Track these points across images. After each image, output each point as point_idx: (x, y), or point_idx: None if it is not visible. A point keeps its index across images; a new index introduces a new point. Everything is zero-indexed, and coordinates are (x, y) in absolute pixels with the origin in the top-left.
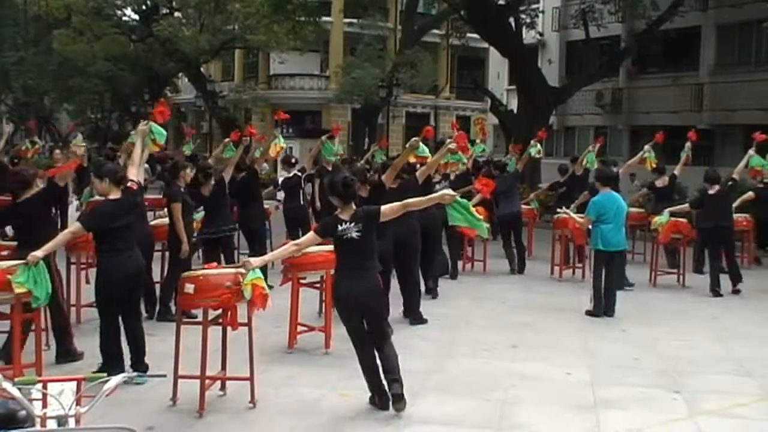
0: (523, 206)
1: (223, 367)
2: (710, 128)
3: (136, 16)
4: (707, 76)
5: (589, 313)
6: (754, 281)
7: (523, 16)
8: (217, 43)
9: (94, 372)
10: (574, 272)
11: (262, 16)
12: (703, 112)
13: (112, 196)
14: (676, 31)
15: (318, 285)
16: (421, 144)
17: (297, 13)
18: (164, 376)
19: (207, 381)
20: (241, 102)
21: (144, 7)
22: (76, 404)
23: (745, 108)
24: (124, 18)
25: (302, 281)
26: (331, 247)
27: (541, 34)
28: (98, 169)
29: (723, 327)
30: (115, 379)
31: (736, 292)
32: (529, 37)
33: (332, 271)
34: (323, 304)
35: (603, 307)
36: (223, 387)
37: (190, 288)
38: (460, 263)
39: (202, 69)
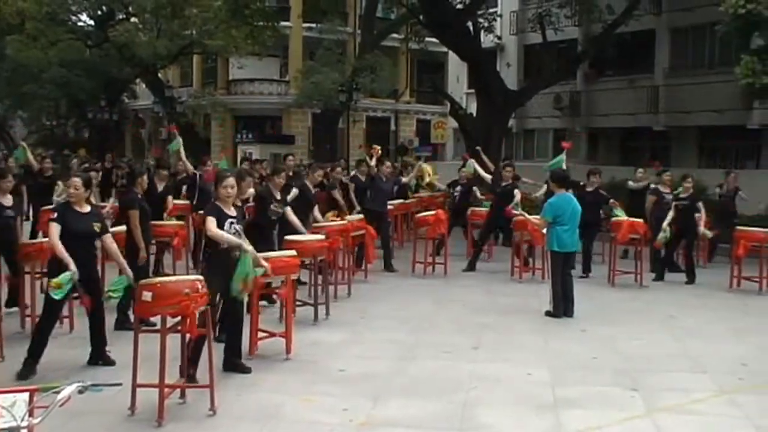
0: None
1: (183, 375)
2: (666, 130)
3: (92, 22)
4: (662, 79)
5: (549, 313)
6: (709, 280)
7: (481, 20)
8: (175, 48)
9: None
10: (533, 273)
11: (220, 21)
12: (659, 114)
13: None
14: (631, 35)
15: (279, 290)
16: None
17: (255, 18)
18: (120, 385)
19: (166, 389)
20: (200, 107)
21: (99, 13)
22: (29, 415)
23: (699, 110)
24: (80, 23)
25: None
26: (292, 252)
27: (499, 38)
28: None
29: (679, 325)
30: (69, 389)
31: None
32: (487, 41)
33: (292, 276)
34: (284, 310)
35: (563, 307)
36: (182, 395)
37: (147, 296)
38: (422, 266)
39: (159, 75)
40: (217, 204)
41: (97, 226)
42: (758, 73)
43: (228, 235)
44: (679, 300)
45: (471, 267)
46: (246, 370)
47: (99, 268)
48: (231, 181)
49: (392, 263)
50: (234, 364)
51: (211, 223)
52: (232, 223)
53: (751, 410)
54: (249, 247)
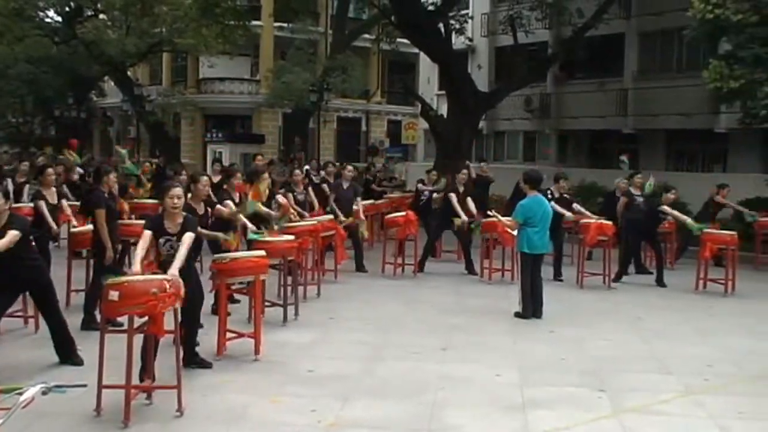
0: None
1: (149, 376)
2: (635, 132)
3: (59, 18)
4: (631, 82)
5: (517, 315)
6: (676, 282)
7: (453, 21)
8: (144, 46)
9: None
10: (503, 274)
11: (190, 20)
12: (628, 117)
13: None
14: (601, 38)
15: (246, 290)
16: None
17: (226, 17)
18: (85, 386)
19: (132, 390)
20: (170, 106)
21: (67, 9)
22: None
23: (667, 113)
24: (47, 20)
25: (231, 287)
26: (261, 252)
27: (470, 40)
28: None
29: (646, 327)
30: (32, 391)
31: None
32: (458, 42)
33: (261, 277)
34: (252, 310)
35: (531, 308)
36: (149, 396)
37: (114, 295)
38: (391, 267)
39: (128, 72)
40: (160, 217)
41: None
42: (725, 77)
43: (137, 262)
44: (647, 301)
45: (421, 267)
46: (207, 365)
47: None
48: (178, 191)
49: (363, 264)
50: (196, 360)
51: (142, 240)
52: (168, 240)
53: (715, 410)
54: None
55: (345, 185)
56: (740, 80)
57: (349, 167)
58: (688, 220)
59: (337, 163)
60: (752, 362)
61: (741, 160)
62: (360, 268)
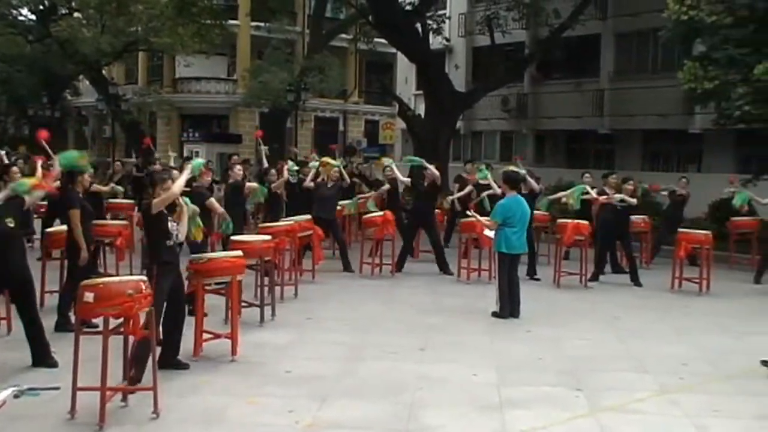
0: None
1: (125, 378)
2: (611, 133)
3: (33, 16)
4: (607, 83)
5: (495, 314)
6: (652, 281)
7: (430, 21)
8: (120, 45)
9: None
10: (479, 274)
11: (166, 18)
12: (604, 117)
13: None
14: (577, 39)
15: (224, 291)
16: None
17: (202, 16)
18: (58, 388)
19: (108, 392)
20: (146, 105)
21: (41, 7)
22: None
23: (643, 114)
24: (20, 18)
25: (207, 287)
26: (238, 253)
27: (447, 40)
28: None
29: (623, 326)
30: (4, 394)
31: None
32: (436, 42)
33: (239, 277)
34: (230, 311)
35: (509, 308)
36: (125, 398)
37: (89, 297)
38: (369, 267)
39: (104, 71)
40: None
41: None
42: (700, 78)
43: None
44: (623, 301)
45: (399, 267)
46: (184, 366)
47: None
48: (170, 183)
49: (350, 262)
50: (173, 362)
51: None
52: (173, 222)
53: (690, 409)
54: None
55: (329, 185)
56: (714, 81)
57: (335, 168)
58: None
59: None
60: (727, 361)
61: (715, 161)
62: (347, 267)
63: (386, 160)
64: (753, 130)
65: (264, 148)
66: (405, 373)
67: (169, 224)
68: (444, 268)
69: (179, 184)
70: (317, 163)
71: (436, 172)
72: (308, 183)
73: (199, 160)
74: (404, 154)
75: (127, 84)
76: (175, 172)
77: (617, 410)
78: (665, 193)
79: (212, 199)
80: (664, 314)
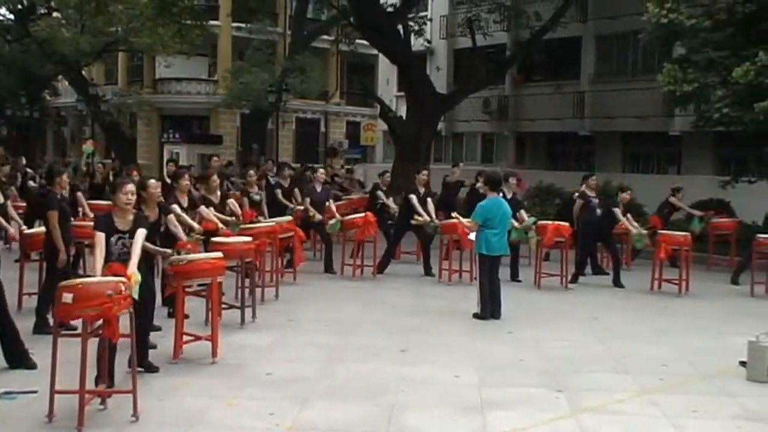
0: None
1: (104, 381)
2: (591, 135)
3: (12, 16)
4: (588, 85)
5: (476, 316)
6: (632, 282)
7: (411, 23)
8: (99, 45)
9: None
10: (460, 276)
11: (146, 19)
12: (585, 119)
13: None
14: (558, 41)
15: (204, 293)
16: None
17: (183, 16)
18: (35, 392)
19: (86, 395)
20: (126, 106)
21: (20, 7)
22: None
23: (623, 116)
24: None
25: (187, 289)
26: (218, 255)
27: (429, 42)
28: None
29: (603, 327)
30: None
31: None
32: (417, 44)
33: (219, 279)
34: (210, 313)
35: (490, 309)
36: (103, 401)
37: (68, 298)
38: (350, 269)
39: (83, 72)
40: (109, 216)
41: None
42: (679, 80)
43: (97, 266)
44: (603, 302)
45: (381, 269)
46: (154, 369)
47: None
48: (131, 187)
49: (333, 264)
50: (143, 364)
51: (97, 244)
52: (120, 238)
53: (670, 410)
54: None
55: (318, 188)
56: (693, 84)
57: (321, 170)
58: (634, 231)
59: (309, 165)
60: (706, 361)
61: (695, 162)
62: (329, 268)
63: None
64: (731, 132)
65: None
66: (386, 374)
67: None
68: (428, 269)
69: (97, 265)
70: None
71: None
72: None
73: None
74: (386, 156)
75: (107, 84)
76: None
77: (597, 411)
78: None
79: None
80: (644, 315)
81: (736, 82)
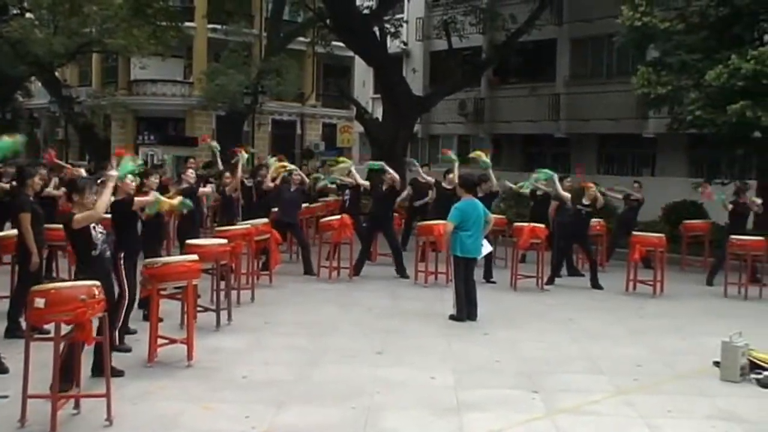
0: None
1: (77, 384)
2: (567, 136)
3: None
4: (563, 87)
5: (452, 317)
6: (607, 283)
7: (388, 25)
8: (73, 46)
9: None
10: (436, 277)
11: (121, 20)
12: (560, 122)
13: None
14: (533, 44)
15: (179, 296)
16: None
17: (158, 18)
18: (6, 397)
19: (59, 400)
20: (100, 108)
21: None
22: None
23: (598, 118)
24: None
25: (162, 292)
26: (193, 257)
27: (405, 44)
28: None
29: (578, 328)
30: None
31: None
32: (393, 46)
33: (194, 281)
34: (185, 316)
35: (466, 311)
36: (77, 405)
37: (40, 302)
38: (327, 271)
39: (57, 73)
40: (75, 212)
41: None
42: (653, 83)
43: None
44: (578, 303)
45: (357, 271)
46: (119, 374)
47: None
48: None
49: (312, 267)
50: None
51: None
52: (100, 232)
53: (644, 410)
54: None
55: (291, 188)
56: (667, 86)
57: (296, 171)
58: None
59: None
60: (680, 361)
61: (669, 164)
62: (309, 270)
63: (343, 164)
64: (704, 134)
65: (213, 144)
66: (362, 377)
67: (93, 233)
68: (401, 271)
69: (104, 201)
70: (274, 161)
71: (396, 176)
72: (269, 184)
73: (129, 165)
74: (362, 158)
75: (80, 86)
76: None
77: (573, 412)
78: (619, 196)
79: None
80: (619, 316)
81: (709, 84)
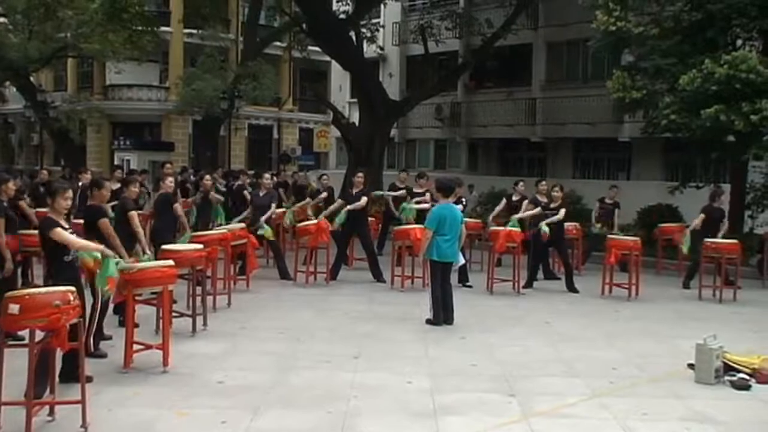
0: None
1: (52, 391)
2: (543, 141)
3: None
4: (539, 92)
5: (429, 321)
6: (583, 287)
7: (364, 30)
8: (48, 51)
9: None
10: (412, 282)
11: (96, 24)
12: (536, 126)
13: None
14: (509, 48)
15: (155, 301)
16: None
17: (133, 22)
18: None
19: (35, 407)
20: (75, 113)
21: None
22: None
23: (574, 122)
24: None
25: (138, 298)
26: (169, 262)
27: (381, 49)
28: None
29: (554, 331)
30: None
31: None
32: (370, 51)
33: (170, 287)
34: (161, 321)
35: (442, 315)
36: (51, 412)
37: (14, 309)
38: (303, 276)
39: (31, 78)
40: (52, 217)
41: None
42: (628, 87)
43: (83, 241)
44: (555, 307)
45: (334, 276)
46: (87, 380)
47: None
48: (69, 193)
49: (287, 272)
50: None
51: (61, 233)
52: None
53: (619, 412)
54: (108, 251)
55: (261, 193)
56: (642, 91)
57: (267, 175)
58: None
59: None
60: (654, 364)
61: (644, 168)
62: (284, 276)
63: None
64: (679, 138)
65: None
66: (339, 381)
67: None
68: (377, 275)
69: (81, 243)
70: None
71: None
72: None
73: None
74: (339, 162)
75: (56, 91)
76: None
77: (549, 415)
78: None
79: (134, 213)
80: (595, 319)
81: (683, 89)
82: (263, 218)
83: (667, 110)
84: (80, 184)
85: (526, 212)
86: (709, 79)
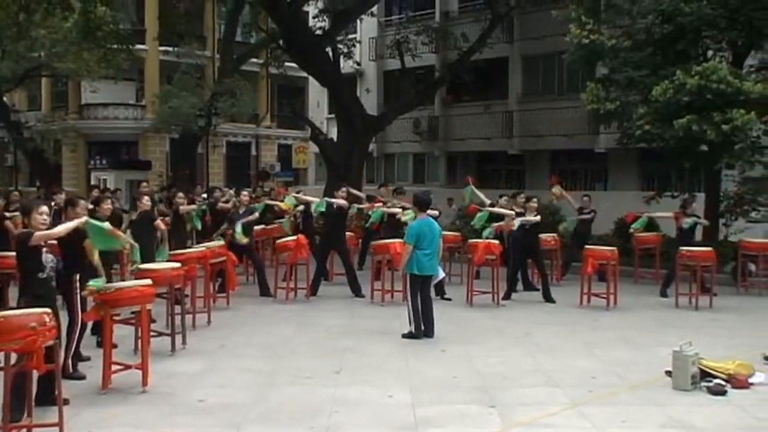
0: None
1: (29, 414)
2: (520, 153)
3: None
4: (516, 104)
5: (409, 335)
6: (562, 297)
7: (341, 45)
8: (21, 70)
9: None
10: (392, 296)
11: (70, 43)
12: (513, 138)
13: None
14: (485, 62)
15: (133, 321)
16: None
17: (108, 41)
18: None
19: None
20: (50, 133)
21: None
22: None
23: (550, 134)
24: None
25: (116, 317)
26: (147, 281)
27: (358, 64)
28: None
29: (534, 342)
30: None
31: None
32: (347, 66)
33: (148, 306)
34: (139, 341)
35: (422, 328)
36: None
37: None
38: (283, 292)
39: (4, 98)
40: (28, 229)
41: None
42: (602, 99)
43: (62, 226)
44: (534, 317)
45: (314, 291)
46: (66, 401)
47: None
48: (45, 208)
49: (268, 288)
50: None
51: (41, 234)
52: (49, 254)
53: (599, 421)
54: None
55: (240, 210)
56: (616, 102)
57: (244, 192)
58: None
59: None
60: (633, 372)
61: (620, 178)
62: (265, 292)
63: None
64: (653, 148)
65: None
66: (320, 397)
67: (43, 256)
68: (356, 290)
69: (66, 226)
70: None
71: (343, 202)
72: (222, 205)
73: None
74: (318, 178)
75: (30, 110)
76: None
77: (529, 425)
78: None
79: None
80: (574, 329)
81: (656, 99)
82: (243, 220)
83: (640, 121)
84: (53, 204)
85: (499, 209)
86: (681, 89)
